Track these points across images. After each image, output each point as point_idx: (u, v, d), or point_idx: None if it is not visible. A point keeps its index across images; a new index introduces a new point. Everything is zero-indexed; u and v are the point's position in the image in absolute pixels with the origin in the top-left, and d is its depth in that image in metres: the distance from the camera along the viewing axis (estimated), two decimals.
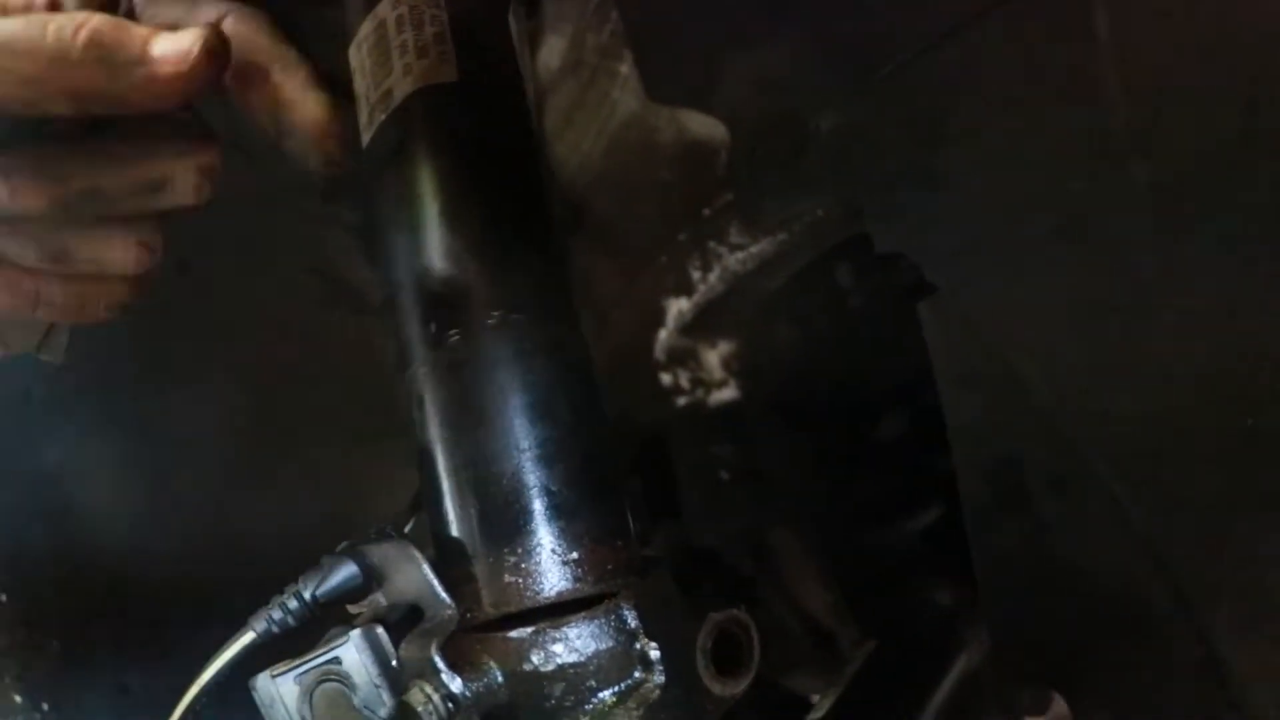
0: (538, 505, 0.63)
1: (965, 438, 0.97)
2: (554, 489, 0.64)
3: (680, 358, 1.16)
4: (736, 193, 1.04)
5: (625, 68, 1.06)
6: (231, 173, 1.26)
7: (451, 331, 0.66)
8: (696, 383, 1.17)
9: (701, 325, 1.13)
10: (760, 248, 1.04)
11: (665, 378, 1.17)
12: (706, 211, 1.07)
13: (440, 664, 0.59)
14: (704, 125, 1.06)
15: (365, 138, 0.76)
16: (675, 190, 1.09)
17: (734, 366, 1.17)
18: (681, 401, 1.17)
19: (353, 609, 0.70)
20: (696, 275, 1.09)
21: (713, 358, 1.16)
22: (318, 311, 1.36)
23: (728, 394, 1.16)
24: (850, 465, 1.28)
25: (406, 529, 0.73)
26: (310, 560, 0.67)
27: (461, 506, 0.65)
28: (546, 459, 0.64)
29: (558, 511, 0.64)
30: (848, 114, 0.94)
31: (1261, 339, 0.77)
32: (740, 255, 1.06)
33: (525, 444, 0.64)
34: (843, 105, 0.95)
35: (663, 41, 1.03)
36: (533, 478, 0.64)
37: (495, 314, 0.66)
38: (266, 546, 1.33)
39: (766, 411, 1.18)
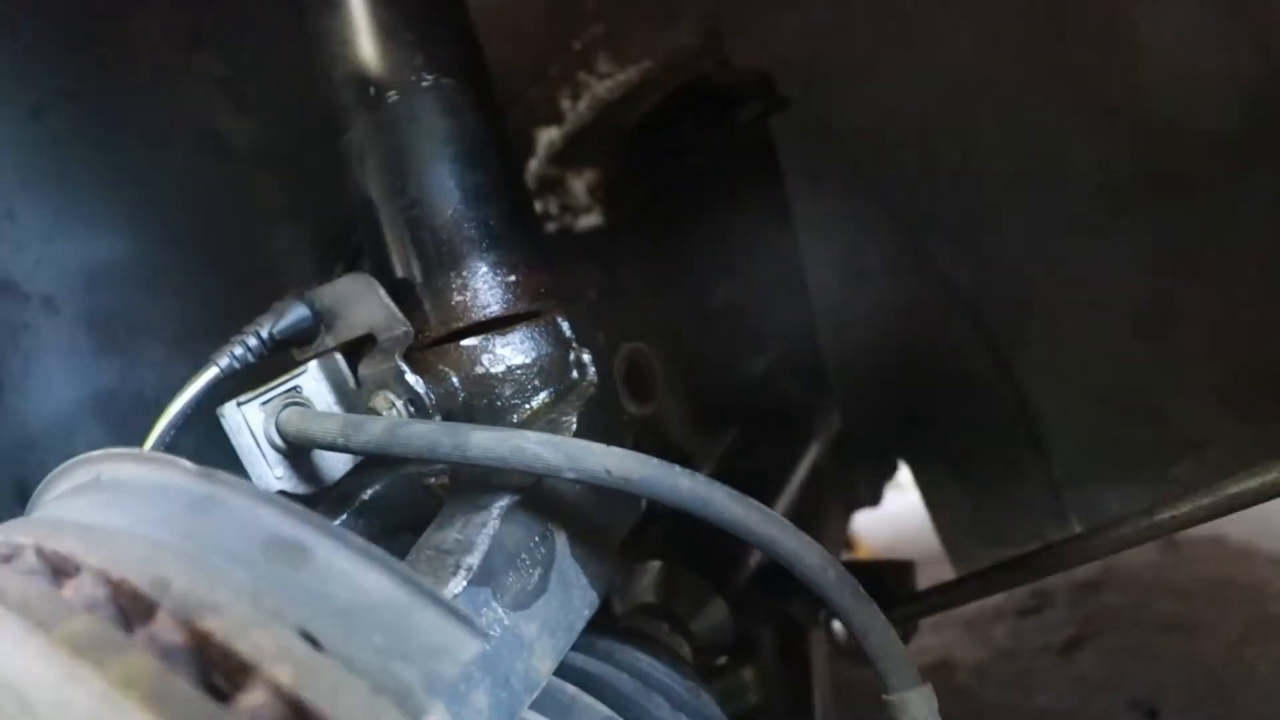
0: (477, 236, 0.72)
1: (814, 229, 1.11)
2: (491, 223, 0.72)
3: (550, 185, 1.25)
4: (609, 25, 1.13)
5: None
6: (90, 19, 1.26)
7: (389, 93, 0.73)
8: (564, 209, 1.27)
9: (570, 154, 1.22)
10: (627, 75, 1.13)
11: (535, 205, 1.26)
12: (576, 45, 1.16)
13: (404, 368, 0.67)
14: None
15: None
16: (545, 26, 1.17)
17: (599, 194, 1.26)
18: (551, 227, 1.27)
19: (298, 355, 0.77)
20: (566, 105, 1.18)
21: (579, 185, 1.25)
22: (186, 160, 1.37)
23: (593, 219, 1.26)
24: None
25: None
26: None
27: (406, 243, 0.73)
28: (482, 198, 0.73)
29: (495, 241, 0.72)
30: None
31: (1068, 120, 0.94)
32: (608, 83, 1.15)
33: (463, 186, 0.72)
34: None
35: None
36: (472, 213, 0.72)
37: (429, 77, 0.73)
38: (144, 413, 1.35)
39: (629, 236, 1.29)
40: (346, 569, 0.45)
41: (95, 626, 0.42)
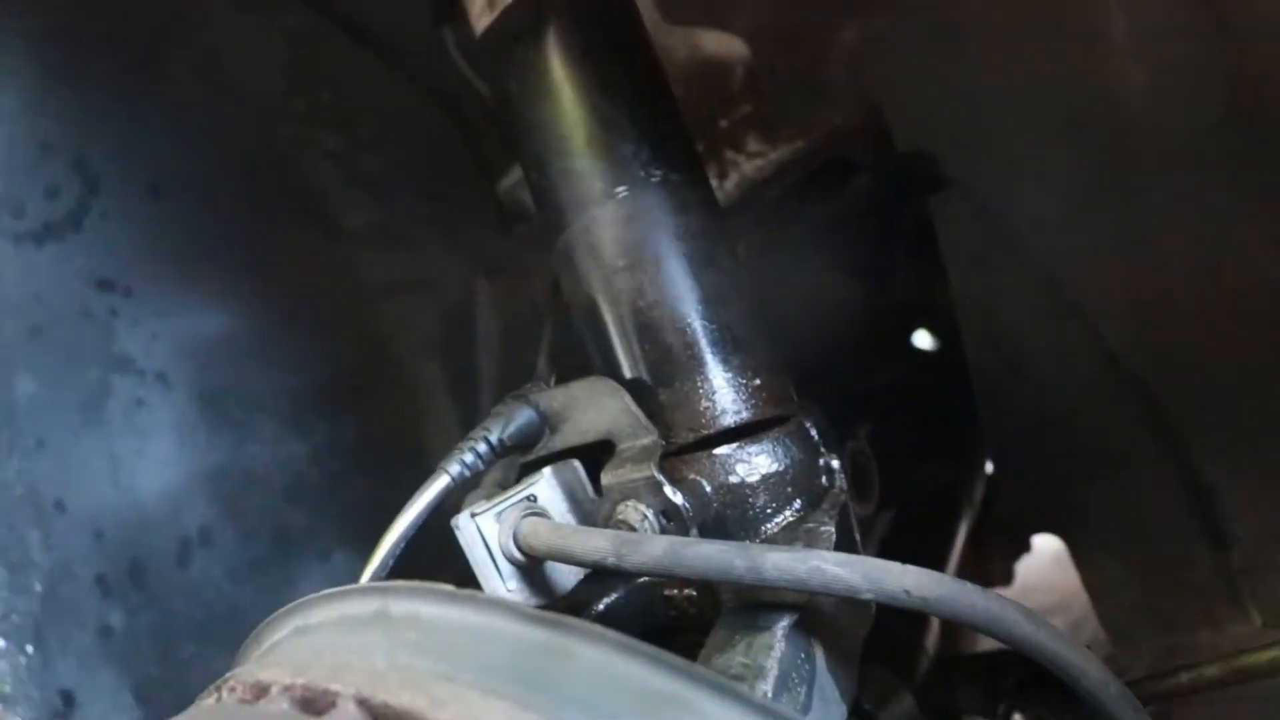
0: (721, 339, 0.69)
1: (973, 314, 1.08)
2: (731, 325, 0.70)
3: None
4: (758, 104, 1.12)
5: None
6: (208, 97, 1.25)
7: (618, 189, 0.71)
8: None
9: None
10: (778, 154, 1.12)
11: None
12: (724, 123, 1.14)
13: (663, 479, 0.64)
14: (719, 42, 1.13)
15: (483, 21, 0.79)
16: (690, 105, 1.15)
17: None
18: None
19: (521, 460, 0.74)
20: (713, 184, 1.16)
21: None
22: (299, 236, 1.35)
23: None
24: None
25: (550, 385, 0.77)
26: None
27: (643, 346, 0.70)
28: (721, 300, 0.70)
29: (738, 345, 0.70)
30: (868, 25, 1.04)
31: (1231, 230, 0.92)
32: (758, 163, 1.13)
33: (702, 286, 0.70)
34: (862, 17, 1.04)
35: None
36: (713, 315, 0.70)
37: (657, 173, 0.71)
38: (253, 489, 1.32)
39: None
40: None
41: None
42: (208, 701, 0.54)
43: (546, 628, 0.46)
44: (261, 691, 0.50)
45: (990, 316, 1.07)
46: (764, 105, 1.12)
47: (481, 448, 0.70)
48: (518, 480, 0.70)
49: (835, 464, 0.69)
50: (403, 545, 0.68)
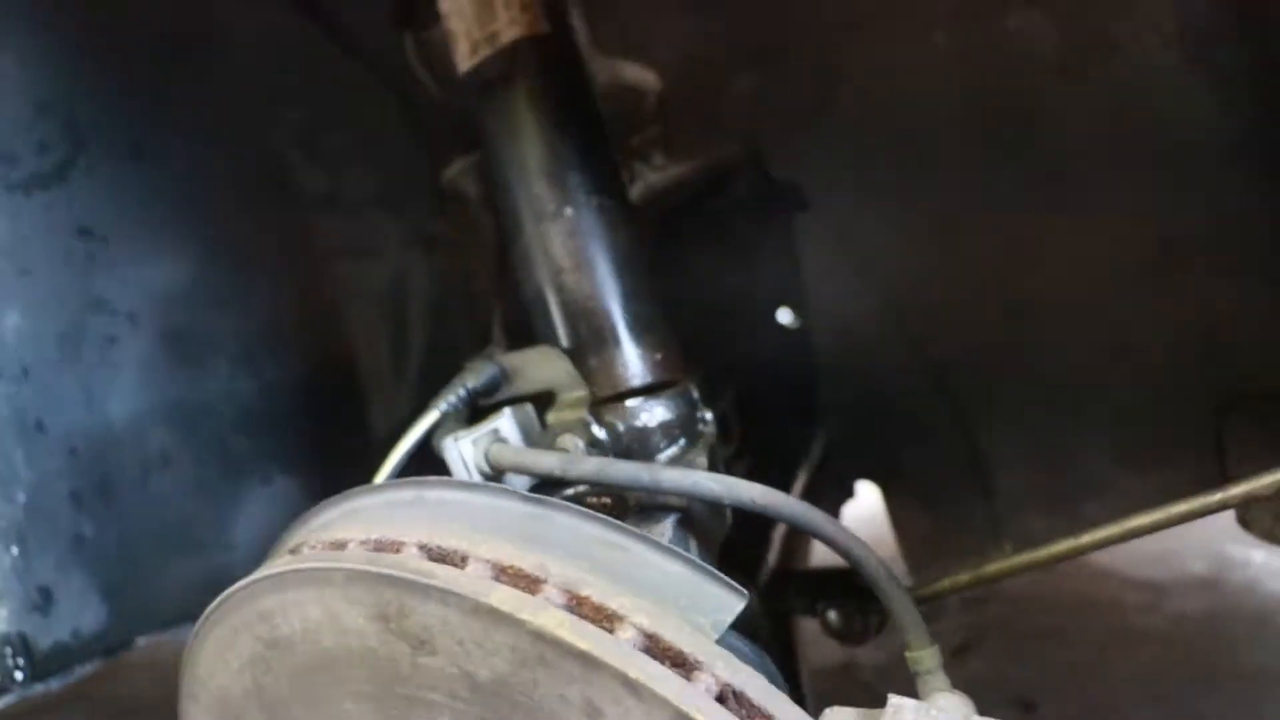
0: (634, 324, 0.97)
1: (824, 313, 1.40)
2: (643, 314, 0.98)
3: None
4: (664, 128, 1.39)
5: (574, 22, 1.37)
6: (189, 71, 1.43)
7: (565, 209, 0.98)
8: None
9: None
10: (679, 170, 1.40)
11: None
12: (635, 140, 1.42)
13: (591, 420, 0.92)
14: (635, 73, 1.40)
15: (466, 64, 1.03)
16: (608, 123, 1.42)
17: None
18: None
19: (482, 403, 1.01)
20: None
21: None
22: (259, 200, 1.55)
23: None
24: None
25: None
26: None
27: (577, 327, 0.98)
28: (635, 295, 0.98)
29: (647, 329, 0.98)
30: (760, 75, 1.33)
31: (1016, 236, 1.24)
32: (660, 175, 1.41)
33: (621, 284, 0.98)
34: (757, 67, 1.33)
35: (611, 5, 1.35)
36: (631, 306, 0.97)
37: (594, 199, 0.98)
38: (207, 419, 1.52)
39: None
40: (654, 558, 0.70)
41: (513, 594, 0.66)
42: (288, 556, 0.79)
43: (535, 504, 0.74)
44: (340, 546, 0.75)
45: (836, 315, 1.39)
46: (669, 129, 1.39)
47: (461, 392, 0.97)
48: (481, 419, 0.97)
49: (709, 416, 0.99)
50: (407, 459, 0.94)
